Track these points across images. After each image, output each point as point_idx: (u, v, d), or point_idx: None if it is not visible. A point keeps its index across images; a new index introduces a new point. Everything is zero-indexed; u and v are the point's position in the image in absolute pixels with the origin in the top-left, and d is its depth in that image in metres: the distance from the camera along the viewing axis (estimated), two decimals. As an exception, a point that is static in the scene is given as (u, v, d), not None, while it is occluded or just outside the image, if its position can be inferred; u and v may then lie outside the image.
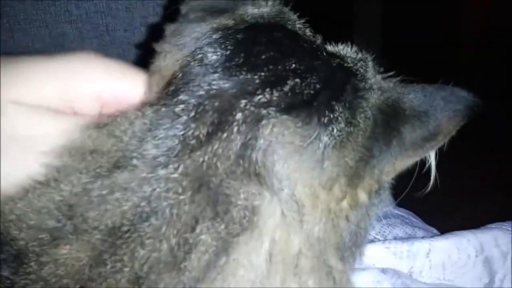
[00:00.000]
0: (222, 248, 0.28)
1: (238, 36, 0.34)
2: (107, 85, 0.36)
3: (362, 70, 0.36)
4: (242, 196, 0.29)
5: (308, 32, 0.38)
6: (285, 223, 0.30)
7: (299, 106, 0.31)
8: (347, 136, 0.32)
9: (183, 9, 0.37)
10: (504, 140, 1.96)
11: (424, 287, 0.48)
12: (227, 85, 0.31)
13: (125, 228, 0.28)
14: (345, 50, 0.38)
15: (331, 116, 0.31)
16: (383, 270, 0.51)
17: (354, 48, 0.38)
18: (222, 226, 0.29)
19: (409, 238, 0.57)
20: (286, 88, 0.31)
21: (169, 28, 0.37)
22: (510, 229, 0.56)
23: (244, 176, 0.29)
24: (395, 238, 0.62)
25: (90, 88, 0.35)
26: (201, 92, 0.31)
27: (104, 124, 0.32)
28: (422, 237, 0.58)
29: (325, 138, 0.31)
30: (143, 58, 0.38)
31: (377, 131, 0.33)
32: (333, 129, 0.31)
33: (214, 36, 0.34)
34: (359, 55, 0.37)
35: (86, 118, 0.33)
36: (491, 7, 2.35)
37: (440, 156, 0.36)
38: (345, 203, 0.33)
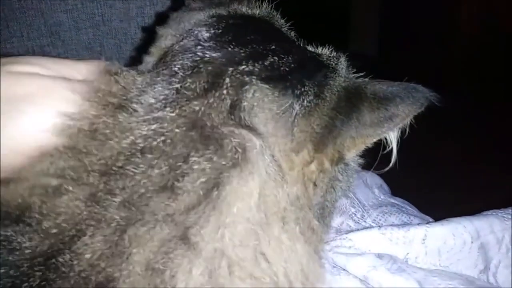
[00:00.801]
0: (215, 180, 0.31)
1: (230, 21, 0.40)
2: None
3: (333, 64, 0.41)
4: (234, 137, 0.33)
5: (291, 34, 0.44)
6: (270, 179, 0.34)
7: (276, 79, 0.36)
8: (315, 107, 0.36)
9: (187, 1, 0.45)
10: (502, 137, 1.97)
11: (420, 272, 0.48)
12: (217, 54, 0.36)
13: (120, 164, 0.31)
14: (322, 50, 0.43)
15: (302, 89, 0.36)
16: (379, 255, 0.51)
17: (330, 50, 0.43)
18: (215, 158, 0.32)
19: (405, 224, 0.57)
20: (266, 63, 0.36)
21: (172, 15, 0.43)
22: (505, 216, 0.56)
23: (236, 126, 0.33)
24: (391, 225, 0.62)
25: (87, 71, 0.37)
26: (196, 58, 0.36)
27: (114, 72, 0.36)
28: (418, 224, 0.58)
29: (296, 107, 0.36)
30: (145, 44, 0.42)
31: (340, 105, 0.37)
32: (303, 100, 0.36)
33: (210, 20, 0.40)
34: (333, 54, 0.43)
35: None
36: (489, 7, 2.36)
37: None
38: (313, 167, 0.37)
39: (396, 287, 0.46)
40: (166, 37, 0.40)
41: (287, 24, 0.45)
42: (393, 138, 0.40)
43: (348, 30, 3.16)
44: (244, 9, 0.43)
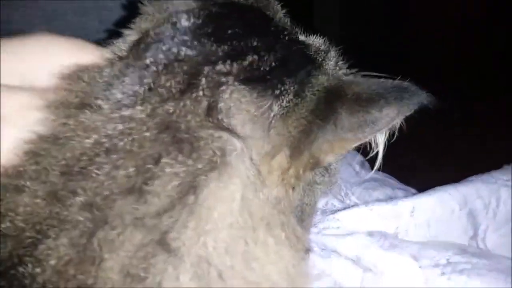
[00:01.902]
0: (190, 183, 0.29)
1: (213, 9, 0.36)
2: (67, 60, 0.34)
3: (320, 59, 0.38)
4: (212, 140, 0.30)
5: (286, 21, 0.41)
6: (250, 182, 0.31)
7: (255, 80, 0.33)
8: (293, 107, 0.34)
9: None
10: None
11: (412, 246, 0.47)
12: (193, 52, 0.33)
13: (82, 164, 0.29)
14: (314, 40, 0.40)
15: (282, 88, 0.34)
16: (370, 233, 0.49)
17: (322, 40, 0.40)
18: (189, 162, 0.30)
19: (391, 198, 0.56)
20: (245, 63, 0.34)
21: None
22: (490, 179, 0.56)
23: (214, 128, 0.31)
24: (376, 201, 0.60)
25: (50, 65, 0.33)
26: (171, 54, 0.33)
27: (76, 70, 0.33)
28: (405, 197, 0.56)
29: (275, 108, 0.33)
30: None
31: (319, 107, 0.34)
32: (283, 100, 0.34)
33: (192, 5, 0.36)
34: (323, 47, 0.40)
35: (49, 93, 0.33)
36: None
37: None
38: (291, 173, 0.35)
39: (390, 264, 0.45)
40: (147, 18, 0.37)
41: (283, 11, 0.41)
42: (379, 141, 0.37)
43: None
44: None
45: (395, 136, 0.36)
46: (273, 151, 0.33)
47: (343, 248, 0.49)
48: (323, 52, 0.39)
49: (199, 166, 0.29)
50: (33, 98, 0.31)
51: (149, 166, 0.29)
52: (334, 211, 0.55)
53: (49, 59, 0.34)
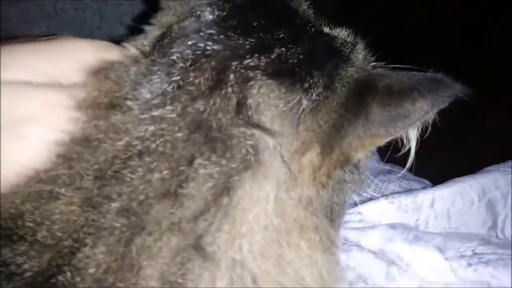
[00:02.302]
0: (224, 184, 0.28)
1: (237, 1, 0.35)
2: (95, 59, 0.33)
3: (347, 51, 0.37)
4: (245, 138, 0.30)
5: (310, 13, 0.39)
6: (283, 182, 0.31)
7: (283, 73, 0.32)
8: (323, 100, 0.33)
9: None
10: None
11: (437, 237, 0.47)
12: (220, 46, 0.32)
13: (116, 167, 0.28)
14: (339, 33, 0.39)
15: (311, 81, 0.33)
16: (392, 226, 0.49)
17: (348, 33, 0.39)
18: (223, 162, 0.29)
19: (410, 190, 0.56)
20: (273, 56, 0.33)
21: None
22: (507, 170, 0.56)
23: (246, 126, 0.30)
24: (393, 193, 0.60)
25: (77, 64, 0.33)
26: (197, 49, 0.32)
27: (102, 68, 0.32)
28: (423, 188, 0.56)
29: (304, 102, 0.32)
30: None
31: (349, 101, 0.33)
32: (312, 93, 0.32)
33: None
34: (350, 39, 0.38)
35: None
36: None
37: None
38: (322, 172, 0.34)
39: (415, 257, 0.45)
40: (168, 12, 0.36)
41: (306, 2, 0.40)
42: (411, 137, 0.35)
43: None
44: None
45: (428, 131, 0.35)
46: (303, 148, 0.33)
47: (366, 241, 0.49)
48: (350, 45, 0.38)
49: (233, 165, 0.29)
50: (60, 96, 0.31)
51: (183, 168, 0.28)
52: (352, 205, 0.55)
53: (75, 59, 0.33)
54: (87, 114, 0.30)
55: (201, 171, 0.28)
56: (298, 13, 0.38)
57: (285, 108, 0.32)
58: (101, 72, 0.32)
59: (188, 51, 0.32)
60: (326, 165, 0.34)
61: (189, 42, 0.32)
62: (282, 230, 0.30)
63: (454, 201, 0.53)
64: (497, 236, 0.54)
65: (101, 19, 0.89)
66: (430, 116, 0.34)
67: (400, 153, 0.37)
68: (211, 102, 0.30)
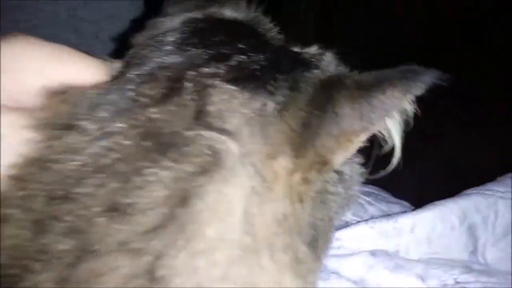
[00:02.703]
0: (179, 192, 0.26)
1: (200, 24, 0.36)
2: (53, 73, 0.32)
3: (315, 61, 0.36)
4: (201, 140, 0.28)
5: (280, 38, 0.39)
6: (254, 193, 0.29)
7: (245, 79, 0.31)
8: (289, 101, 0.31)
9: (165, 5, 0.40)
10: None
11: (418, 265, 0.45)
12: (177, 59, 0.32)
13: (67, 187, 0.27)
14: (308, 49, 0.38)
15: (275, 84, 0.32)
16: (373, 253, 0.47)
17: (317, 48, 0.38)
18: (177, 166, 0.27)
19: (390, 215, 0.54)
20: (233, 63, 0.32)
21: (148, 23, 0.38)
22: (487, 193, 0.55)
23: (203, 129, 0.29)
24: (372, 217, 0.59)
25: (36, 80, 0.31)
26: (153, 64, 0.32)
27: (61, 89, 0.31)
28: (403, 212, 0.55)
29: (271, 105, 0.31)
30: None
31: (316, 98, 0.32)
32: (277, 95, 0.31)
33: (178, 25, 0.36)
34: (318, 51, 0.37)
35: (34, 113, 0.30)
36: None
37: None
38: (297, 178, 0.32)
39: (398, 286, 0.43)
40: (136, 45, 0.36)
41: (275, 29, 0.40)
42: (393, 131, 0.34)
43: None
44: (226, 13, 0.39)
45: (410, 126, 0.33)
46: (274, 151, 0.31)
47: (346, 269, 0.47)
48: (318, 55, 0.37)
49: (188, 169, 0.27)
50: (20, 117, 0.29)
51: (133, 177, 0.27)
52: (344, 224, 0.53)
53: (34, 70, 0.31)
54: (42, 134, 0.29)
55: (151, 178, 0.26)
56: (264, 35, 0.38)
57: (251, 114, 0.30)
58: (59, 93, 0.31)
59: (146, 67, 0.32)
60: (301, 169, 0.32)
61: (147, 60, 0.32)
62: (249, 249, 0.28)
63: (435, 225, 0.51)
64: (478, 261, 0.53)
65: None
66: (407, 104, 0.32)
67: (383, 151, 0.35)
68: (165, 109, 0.29)
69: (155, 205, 0.26)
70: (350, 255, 0.48)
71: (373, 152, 0.37)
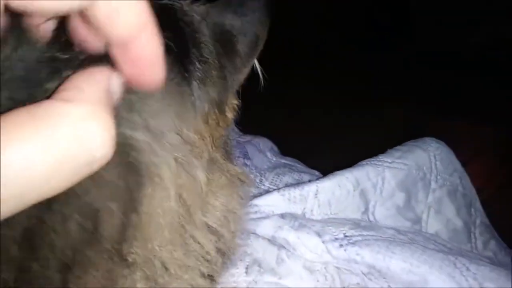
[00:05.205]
0: (127, 208, 0.29)
1: None
2: None
3: (193, 21, 0.39)
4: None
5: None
6: (182, 166, 0.33)
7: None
8: (204, 74, 0.37)
9: None
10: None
11: (317, 224, 0.56)
12: None
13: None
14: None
15: (189, 64, 0.36)
16: (282, 216, 0.57)
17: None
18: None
19: (298, 183, 0.65)
20: None
21: None
22: (377, 163, 0.67)
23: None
24: (286, 185, 0.69)
25: None
26: None
27: None
28: (309, 181, 0.66)
29: (194, 83, 0.35)
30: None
31: (223, 61, 0.39)
32: (192, 71, 0.36)
33: None
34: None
35: None
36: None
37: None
38: (220, 128, 0.39)
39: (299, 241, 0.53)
40: None
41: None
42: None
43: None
44: None
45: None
46: (204, 118, 0.37)
47: (260, 229, 0.57)
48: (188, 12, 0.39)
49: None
50: None
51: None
52: (251, 197, 0.63)
53: None
54: None
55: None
56: None
57: (177, 100, 0.34)
58: None
59: None
60: (223, 120, 0.39)
61: None
62: (185, 215, 0.33)
63: (334, 191, 0.62)
64: (369, 219, 0.65)
65: None
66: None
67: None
68: None
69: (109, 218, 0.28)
70: (265, 218, 0.58)
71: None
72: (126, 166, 0.28)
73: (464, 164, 0.75)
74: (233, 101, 0.42)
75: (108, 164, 0.23)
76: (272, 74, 0.46)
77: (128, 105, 0.28)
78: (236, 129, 0.57)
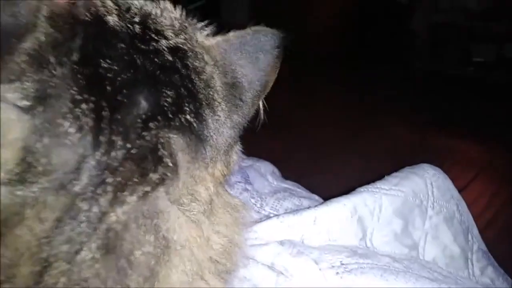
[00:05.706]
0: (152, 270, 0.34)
1: None
2: None
3: (189, 45, 0.38)
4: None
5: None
6: (190, 219, 0.37)
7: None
8: (216, 134, 0.38)
9: None
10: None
11: (314, 251, 0.57)
12: None
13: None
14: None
15: (204, 129, 0.38)
16: (281, 243, 0.59)
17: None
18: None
19: (298, 209, 0.66)
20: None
21: None
22: (374, 190, 0.69)
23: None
24: (286, 211, 0.71)
25: None
26: None
27: None
28: (308, 207, 0.67)
29: (208, 147, 0.37)
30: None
31: (232, 116, 0.40)
32: (207, 137, 0.38)
33: None
34: (179, 22, 0.40)
35: None
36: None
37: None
38: (223, 176, 0.42)
39: (297, 268, 0.55)
40: None
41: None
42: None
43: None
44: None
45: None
46: (211, 170, 0.39)
47: (260, 256, 0.59)
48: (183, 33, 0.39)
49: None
50: None
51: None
52: (252, 223, 0.65)
53: None
54: None
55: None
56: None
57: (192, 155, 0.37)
58: None
59: None
60: (226, 166, 0.41)
61: None
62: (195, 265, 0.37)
63: (332, 218, 0.64)
64: (366, 245, 0.66)
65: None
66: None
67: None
68: None
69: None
70: (264, 244, 0.59)
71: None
72: None
73: (467, 183, 0.76)
74: (238, 147, 0.43)
75: None
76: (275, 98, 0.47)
77: None
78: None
